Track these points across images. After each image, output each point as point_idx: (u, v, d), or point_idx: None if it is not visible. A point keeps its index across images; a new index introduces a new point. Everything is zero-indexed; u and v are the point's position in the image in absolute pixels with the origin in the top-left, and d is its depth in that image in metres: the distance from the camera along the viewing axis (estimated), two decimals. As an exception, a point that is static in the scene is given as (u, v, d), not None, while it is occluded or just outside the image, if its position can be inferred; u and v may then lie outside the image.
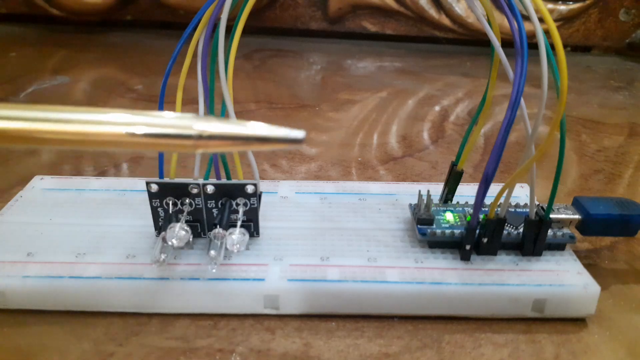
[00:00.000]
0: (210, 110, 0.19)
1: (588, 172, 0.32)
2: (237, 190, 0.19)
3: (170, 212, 0.20)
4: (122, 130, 0.11)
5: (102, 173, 0.29)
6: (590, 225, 0.20)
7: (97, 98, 0.42)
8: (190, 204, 0.20)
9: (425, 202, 0.21)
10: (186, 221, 0.20)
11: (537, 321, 0.19)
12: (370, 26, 0.64)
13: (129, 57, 0.55)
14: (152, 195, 0.19)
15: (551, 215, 0.20)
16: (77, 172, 0.30)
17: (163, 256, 0.18)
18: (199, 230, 0.20)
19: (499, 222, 0.19)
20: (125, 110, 0.12)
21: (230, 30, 0.18)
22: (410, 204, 0.22)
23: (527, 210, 0.21)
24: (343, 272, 0.19)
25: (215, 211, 0.20)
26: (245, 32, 0.18)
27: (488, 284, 0.19)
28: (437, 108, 0.43)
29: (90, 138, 0.11)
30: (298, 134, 0.12)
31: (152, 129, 0.11)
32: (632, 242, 0.24)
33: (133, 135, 0.11)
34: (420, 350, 0.18)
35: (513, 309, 0.19)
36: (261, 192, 0.22)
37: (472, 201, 0.20)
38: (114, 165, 0.30)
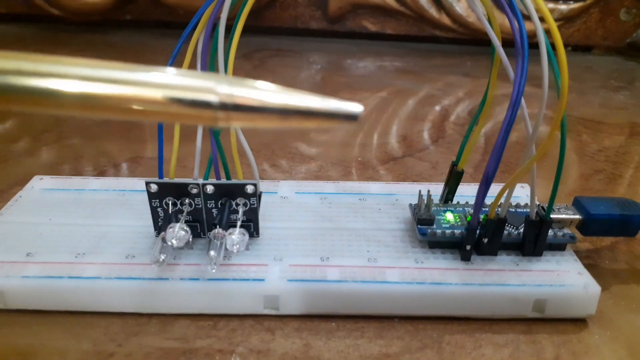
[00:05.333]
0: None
1: (589, 172, 0.32)
2: (237, 190, 0.19)
3: (170, 212, 0.20)
4: (109, 89, 0.08)
5: (101, 173, 0.29)
6: (590, 225, 0.20)
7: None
8: (190, 204, 0.20)
9: (425, 202, 0.21)
10: (186, 221, 0.20)
11: (537, 321, 0.19)
12: (371, 26, 0.64)
13: (128, 57, 0.55)
14: (151, 196, 0.19)
15: (552, 216, 0.20)
16: (77, 172, 0.29)
17: (163, 256, 0.18)
18: (199, 231, 0.20)
19: (500, 222, 0.19)
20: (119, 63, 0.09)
21: (229, 29, 0.18)
22: (411, 204, 0.22)
23: (528, 210, 0.21)
24: (343, 273, 0.19)
25: (215, 211, 0.20)
26: (245, 31, 0.18)
27: (488, 284, 0.18)
28: (437, 108, 0.43)
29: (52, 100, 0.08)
30: (354, 107, 0.09)
31: (152, 91, 0.09)
32: (632, 242, 0.24)
33: (125, 98, 0.08)
34: (420, 351, 0.17)
35: (513, 309, 0.19)
36: (261, 192, 0.22)
37: (472, 201, 0.20)
38: (113, 165, 0.30)
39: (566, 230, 0.20)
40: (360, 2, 0.62)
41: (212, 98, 0.09)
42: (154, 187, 0.19)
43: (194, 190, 0.19)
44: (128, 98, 0.09)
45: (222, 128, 0.09)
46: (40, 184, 0.24)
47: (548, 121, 0.35)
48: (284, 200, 0.24)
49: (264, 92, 0.09)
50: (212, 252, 0.18)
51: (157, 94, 0.09)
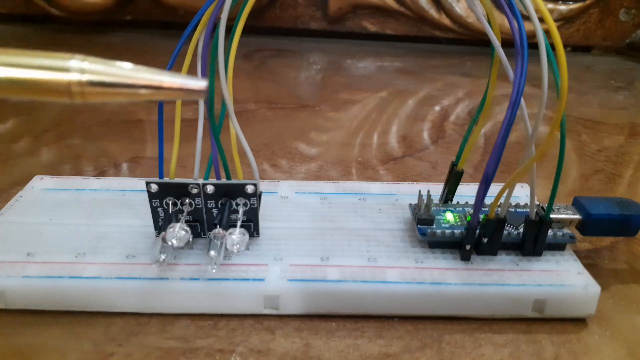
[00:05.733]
0: (210, 110, 0.19)
1: (588, 172, 0.32)
2: (237, 190, 0.19)
3: (170, 212, 0.20)
4: None
5: (101, 173, 0.29)
6: (590, 225, 0.20)
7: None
8: (190, 204, 0.20)
9: (425, 202, 0.21)
10: (186, 221, 0.20)
11: (537, 321, 0.19)
12: (371, 26, 0.64)
13: (128, 57, 0.55)
14: (152, 195, 0.19)
15: (551, 215, 0.20)
16: (77, 172, 0.30)
17: (163, 256, 0.18)
18: (199, 231, 0.20)
19: (499, 222, 0.19)
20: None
21: (230, 30, 0.18)
22: (411, 204, 0.22)
23: (528, 210, 0.21)
24: (343, 272, 0.19)
25: (215, 211, 0.20)
26: (245, 32, 0.18)
27: (488, 284, 0.19)
28: (437, 108, 0.43)
29: None
30: (198, 83, 0.10)
31: (10, 71, 0.10)
32: (632, 242, 0.24)
33: None
34: (420, 351, 0.17)
35: (513, 309, 0.19)
36: (261, 192, 0.22)
37: (472, 201, 0.20)
38: (113, 165, 0.30)
39: (566, 230, 0.20)
40: (360, 3, 0.62)
41: (67, 76, 0.10)
42: (154, 187, 0.19)
43: (194, 190, 0.19)
44: None
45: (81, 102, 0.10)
46: (40, 184, 0.24)
47: (548, 121, 0.35)
48: (284, 200, 0.24)
49: (114, 68, 0.11)
50: (212, 252, 0.18)
51: (15, 74, 0.10)
